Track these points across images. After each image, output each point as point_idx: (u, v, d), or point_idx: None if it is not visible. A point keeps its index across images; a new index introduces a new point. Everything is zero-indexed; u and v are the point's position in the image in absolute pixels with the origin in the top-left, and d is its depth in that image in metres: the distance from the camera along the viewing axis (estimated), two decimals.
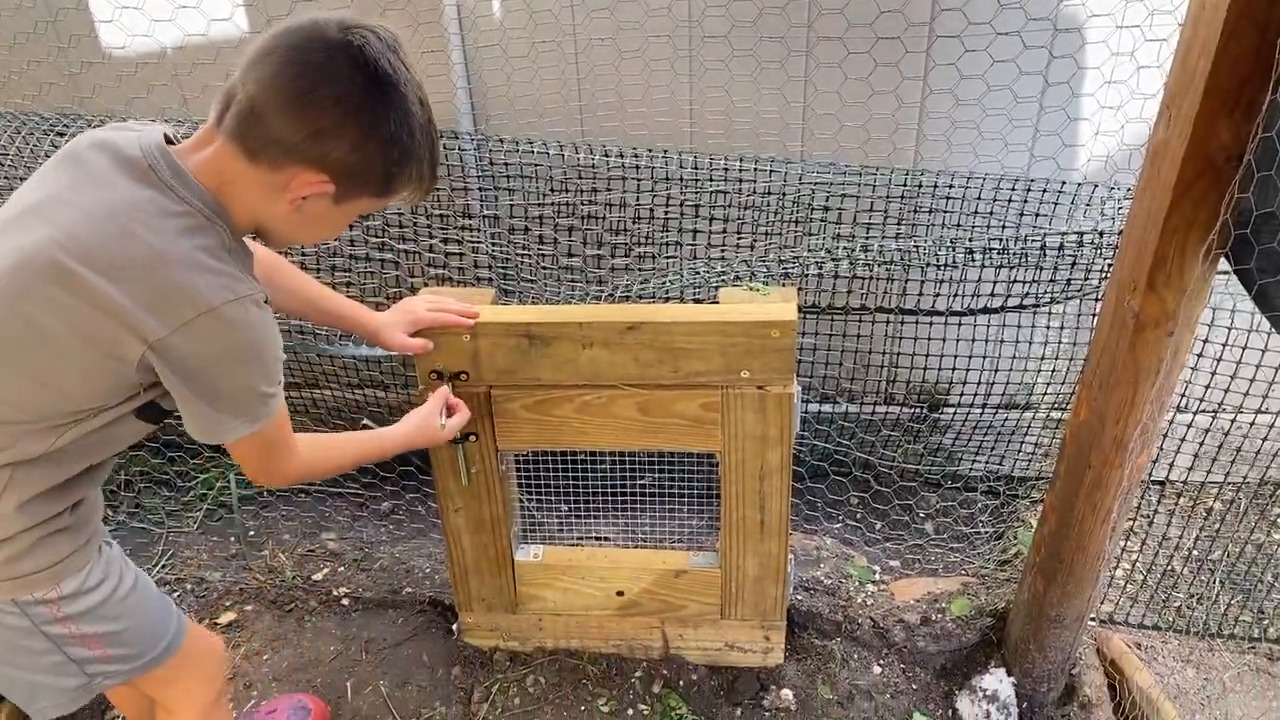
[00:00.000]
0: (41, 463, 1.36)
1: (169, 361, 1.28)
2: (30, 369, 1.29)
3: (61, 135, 2.53)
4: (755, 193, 2.65)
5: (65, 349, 1.27)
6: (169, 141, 1.36)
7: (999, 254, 2.37)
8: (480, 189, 2.77)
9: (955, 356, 2.79)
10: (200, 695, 1.70)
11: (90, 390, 1.32)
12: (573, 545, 2.34)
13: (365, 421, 2.25)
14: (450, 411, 1.89)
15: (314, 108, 1.27)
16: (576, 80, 2.71)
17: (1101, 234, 2.30)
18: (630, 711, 2.21)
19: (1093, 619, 2.37)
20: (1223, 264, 1.54)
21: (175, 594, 2.54)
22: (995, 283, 2.49)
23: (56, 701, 1.54)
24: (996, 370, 2.80)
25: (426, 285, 2.46)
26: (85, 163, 1.31)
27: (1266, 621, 2.51)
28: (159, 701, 1.70)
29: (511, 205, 2.78)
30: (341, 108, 1.28)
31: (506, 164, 2.71)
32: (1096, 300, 2.51)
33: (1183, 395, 2.27)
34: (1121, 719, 2.19)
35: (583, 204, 2.74)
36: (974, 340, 2.75)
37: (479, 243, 2.83)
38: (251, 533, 2.84)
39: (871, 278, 2.60)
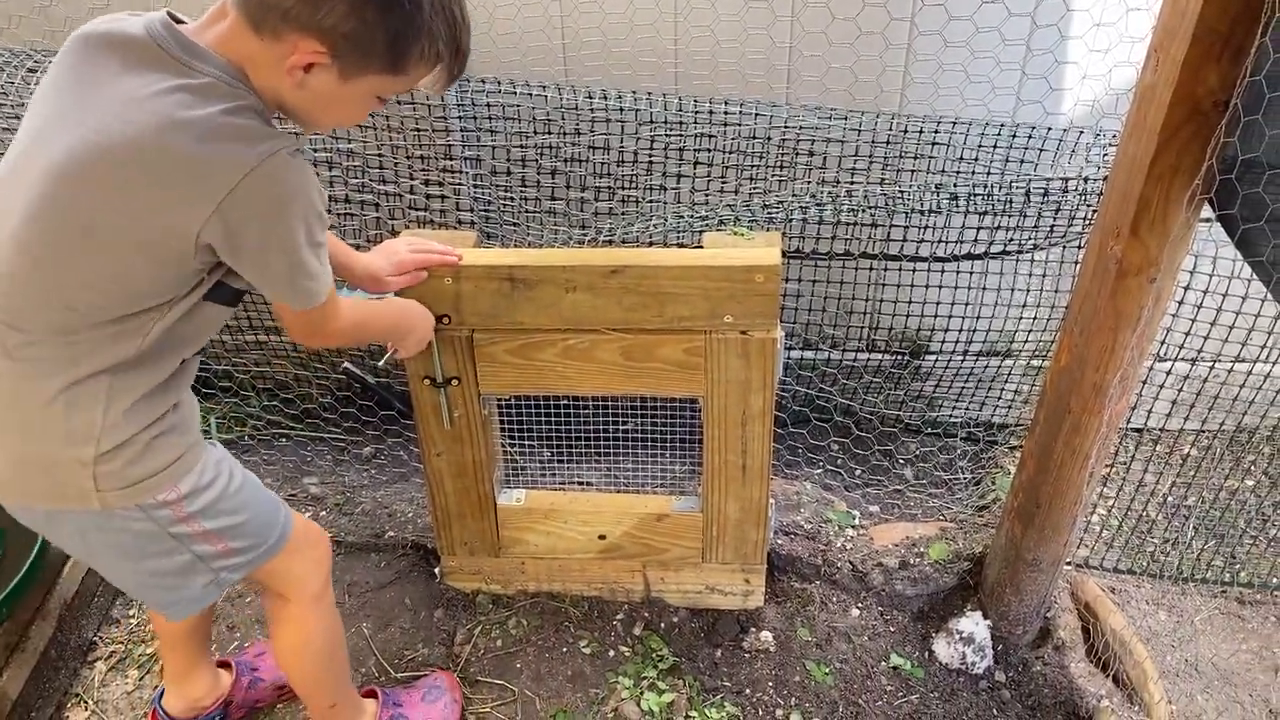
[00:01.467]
0: (136, 365, 1.38)
1: (226, 233, 1.27)
2: (99, 273, 1.29)
3: (33, 71, 2.48)
4: (740, 136, 2.62)
5: (126, 246, 1.27)
6: (175, 20, 1.33)
7: (983, 200, 2.36)
8: (462, 130, 2.73)
9: (938, 304, 2.79)
10: (313, 580, 1.75)
11: (160, 283, 1.32)
12: (555, 489, 2.35)
13: (346, 365, 2.24)
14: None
15: None
16: (560, 17, 2.66)
17: (1086, 180, 2.30)
18: (611, 653, 2.23)
19: (1068, 563, 2.41)
20: (1205, 210, 1.55)
21: None
22: (979, 229, 2.49)
23: (190, 599, 1.59)
24: (978, 317, 2.80)
25: (407, 228, 2.43)
26: (94, 58, 1.30)
27: (1238, 566, 2.56)
28: (275, 590, 1.74)
29: (494, 147, 2.74)
30: None
31: (489, 104, 2.67)
32: (1079, 247, 2.51)
33: (1162, 343, 2.28)
34: (1095, 661, 2.23)
35: (566, 146, 2.70)
36: (956, 287, 2.75)
37: (460, 185, 2.79)
38: None
39: (856, 223, 2.58)
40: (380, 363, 1.94)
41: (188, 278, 1.34)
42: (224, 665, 2.06)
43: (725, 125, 2.61)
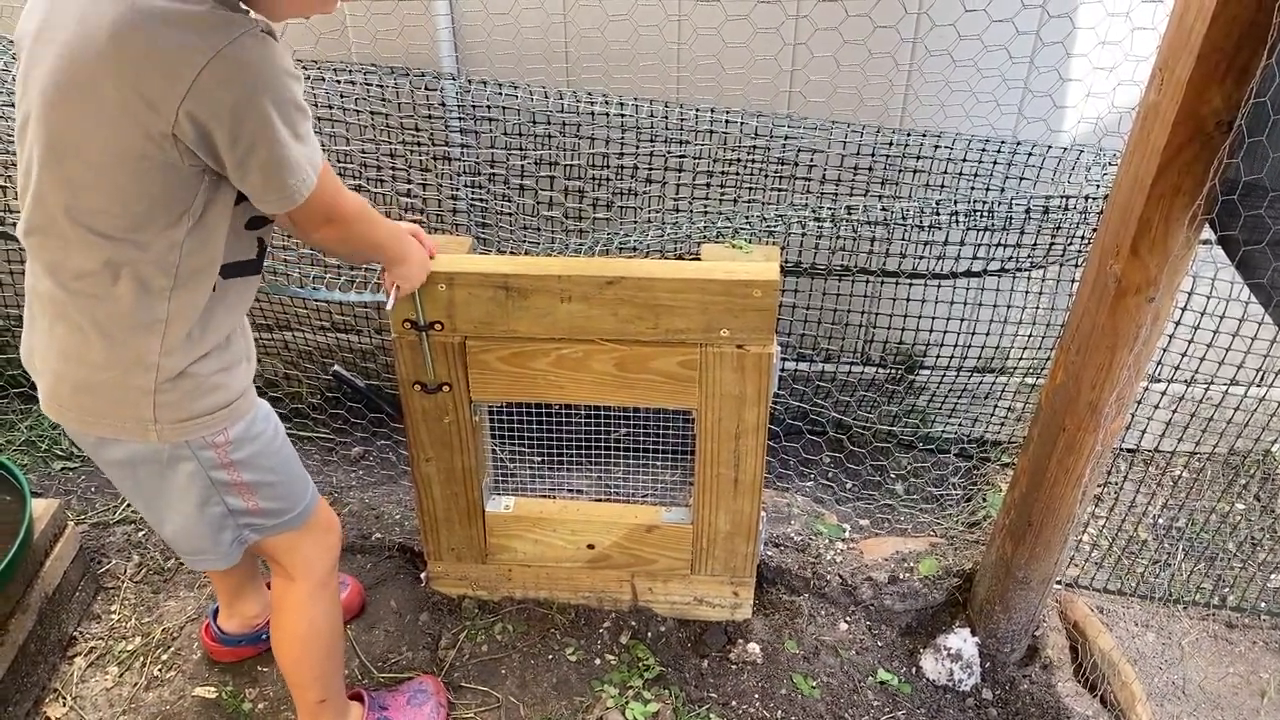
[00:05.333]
0: (182, 287, 1.38)
1: (197, 130, 1.24)
2: (106, 193, 1.29)
3: (16, 58, 2.46)
4: (741, 147, 2.62)
5: (117, 160, 1.26)
6: None
7: (984, 216, 2.36)
8: (462, 132, 2.72)
9: (933, 319, 2.79)
10: (320, 564, 1.77)
11: (167, 194, 1.30)
12: (544, 497, 2.33)
13: (336, 367, 2.22)
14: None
15: None
16: (563, 20, 2.65)
17: (1087, 198, 2.29)
18: (598, 661, 2.22)
19: (1058, 582, 2.40)
20: (1205, 232, 1.54)
21: (141, 533, 2.52)
22: (978, 246, 2.48)
23: (218, 554, 1.63)
24: (973, 334, 2.80)
25: None
26: None
27: (1226, 589, 2.55)
28: (284, 566, 1.75)
29: (493, 152, 2.73)
30: None
31: (489, 108, 2.66)
32: (1076, 266, 2.51)
33: (1157, 364, 2.28)
34: (1082, 681, 2.22)
35: (565, 152, 2.69)
36: (952, 303, 2.74)
37: (457, 189, 2.78)
38: None
39: (856, 237, 2.58)
40: (388, 305, 1.89)
41: (190, 183, 1.31)
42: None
43: (726, 136, 2.60)
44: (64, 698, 2.12)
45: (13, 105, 2.34)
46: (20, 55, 1.33)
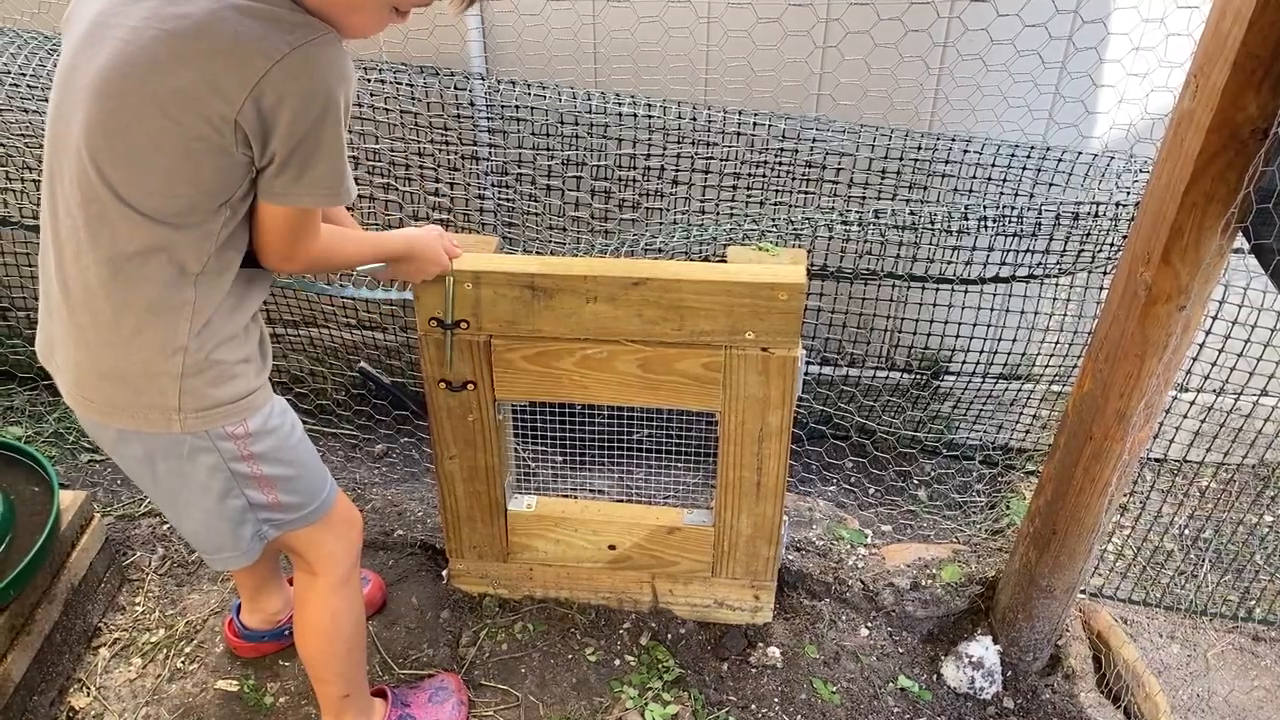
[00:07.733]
0: (212, 272, 1.41)
1: (260, 119, 1.27)
2: (156, 177, 1.31)
3: None
4: (768, 150, 2.61)
5: (173, 146, 1.29)
6: None
7: (1013, 222, 2.34)
8: (490, 131, 2.73)
9: (960, 324, 2.77)
10: (342, 558, 1.78)
11: (214, 180, 1.33)
12: (566, 497, 2.34)
13: (362, 364, 2.24)
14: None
15: None
16: (593, 21, 2.66)
17: (1117, 205, 2.27)
18: (617, 661, 2.22)
19: (1082, 592, 2.38)
20: (1238, 240, 1.52)
21: (165, 526, 2.54)
22: (1006, 251, 2.47)
23: (238, 550, 1.63)
24: (1000, 340, 2.78)
25: None
26: None
27: (1252, 602, 2.52)
28: (306, 561, 1.77)
29: (520, 152, 2.73)
30: None
31: (517, 108, 2.66)
32: (1105, 273, 2.48)
33: (1187, 373, 2.25)
34: (1105, 692, 2.20)
35: (592, 152, 2.70)
36: (979, 308, 2.72)
37: (485, 189, 2.79)
38: None
39: (883, 241, 2.57)
40: (449, 366, 1.90)
41: (238, 173, 1.34)
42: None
43: (754, 138, 2.59)
44: (88, 688, 2.14)
45: (38, 99, 2.37)
46: (69, 36, 1.35)
